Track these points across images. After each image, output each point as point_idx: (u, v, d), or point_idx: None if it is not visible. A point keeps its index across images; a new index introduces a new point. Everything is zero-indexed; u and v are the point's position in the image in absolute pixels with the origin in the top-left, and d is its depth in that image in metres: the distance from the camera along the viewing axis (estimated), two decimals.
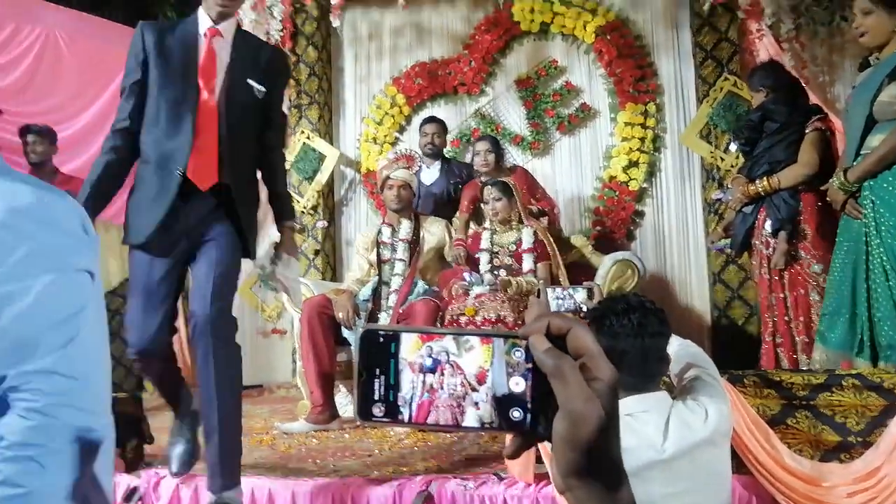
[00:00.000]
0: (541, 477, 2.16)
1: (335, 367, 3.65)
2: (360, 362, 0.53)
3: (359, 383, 0.52)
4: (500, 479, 2.24)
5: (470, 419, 0.51)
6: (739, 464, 1.95)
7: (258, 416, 4.17)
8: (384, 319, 3.63)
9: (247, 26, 4.42)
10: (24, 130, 4.20)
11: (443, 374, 0.52)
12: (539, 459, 2.15)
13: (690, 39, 4.60)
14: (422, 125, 4.45)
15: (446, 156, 4.57)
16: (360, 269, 3.92)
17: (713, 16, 4.40)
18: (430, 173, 4.41)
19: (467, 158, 4.81)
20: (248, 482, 2.42)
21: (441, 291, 3.66)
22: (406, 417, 0.52)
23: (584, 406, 0.47)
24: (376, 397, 0.52)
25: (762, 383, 2.02)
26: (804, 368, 2.88)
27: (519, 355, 0.51)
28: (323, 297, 3.66)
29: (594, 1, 4.75)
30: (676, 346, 1.71)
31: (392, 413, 0.52)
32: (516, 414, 0.50)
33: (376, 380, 0.52)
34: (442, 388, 0.51)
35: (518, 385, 0.51)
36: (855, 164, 2.75)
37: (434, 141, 4.36)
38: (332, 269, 5.14)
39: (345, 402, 3.86)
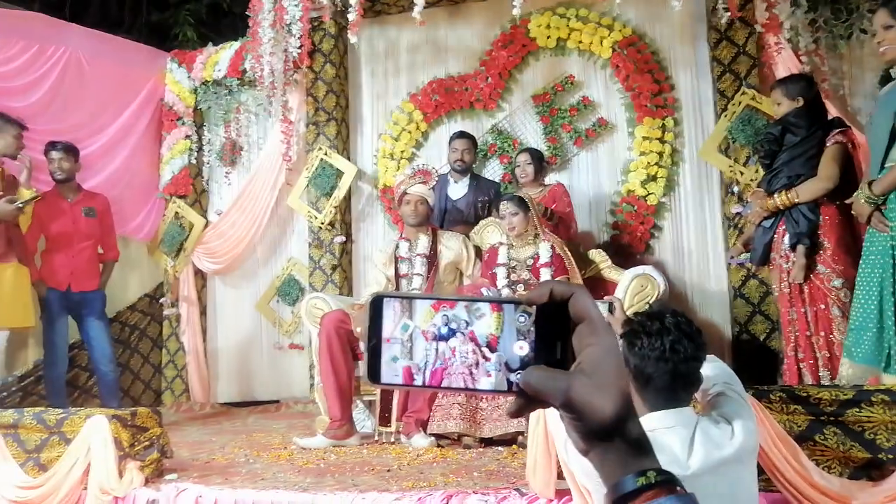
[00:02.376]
0: (562, 493, 2.13)
1: (353, 381, 3.65)
2: (370, 328, 0.54)
3: (368, 347, 0.54)
4: (521, 494, 2.21)
5: (482, 385, 0.53)
6: (767, 481, 1.91)
7: (275, 431, 4.17)
8: None
9: (265, 45, 4.47)
10: (50, 147, 4.26)
11: (455, 342, 0.53)
12: (560, 475, 2.12)
13: (708, 53, 4.58)
14: (451, 140, 4.46)
15: (475, 172, 4.57)
16: (377, 283, 3.92)
17: (731, 30, 4.40)
18: (458, 189, 4.42)
19: (484, 173, 4.82)
20: (267, 496, 2.42)
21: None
22: (420, 383, 0.53)
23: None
24: (387, 362, 0.54)
25: (789, 399, 1.98)
26: (829, 384, 2.83)
27: (523, 321, 0.52)
28: (341, 312, 3.67)
29: (610, 16, 4.75)
30: (711, 370, 1.68)
31: (403, 378, 0.53)
32: (520, 377, 0.51)
33: (385, 345, 0.54)
34: (454, 356, 0.53)
35: (522, 349, 0.52)
36: (880, 176, 2.72)
37: (464, 157, 4.37)
38: (349, 283, 5.15)
39: (362, 418, 3.84)
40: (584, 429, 0.51)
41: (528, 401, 0.52)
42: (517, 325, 0.53)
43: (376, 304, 0.54)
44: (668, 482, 0.49)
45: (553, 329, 0.53)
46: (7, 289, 3.88)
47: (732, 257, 4.10)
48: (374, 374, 0.54)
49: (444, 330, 0.53)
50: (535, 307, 0.53)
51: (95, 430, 2.59)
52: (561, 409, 0.50)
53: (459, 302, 0.54)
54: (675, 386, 1.55)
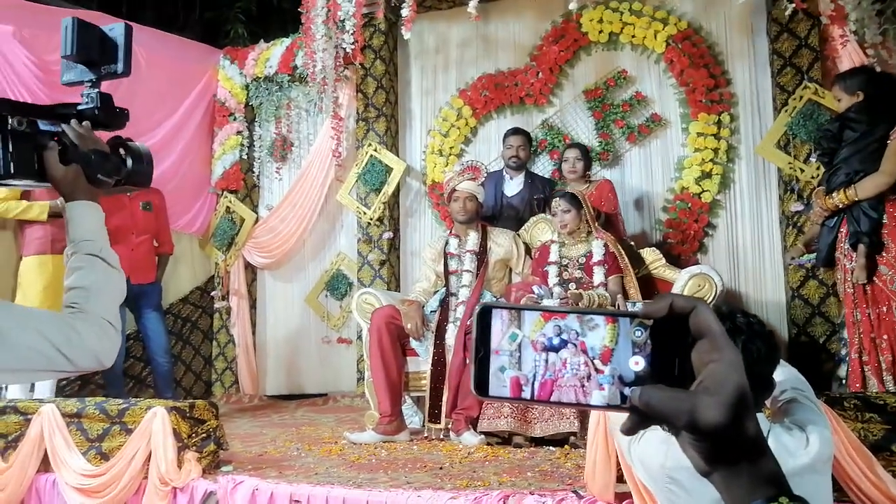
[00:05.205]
0: (622, 496, 2.09)
1: (403, 377, 3.66)
2: (477, 339, 0.52)
3: (476, 360, 0.52)
4: (579, 496, 2.17)
5: (595, 399, 0.51)
6: (840, 492, 1.84)
7: (325, 424, 4.21)
8: (452, 331, 3.61)
9: (318, 41, 4.50)
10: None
11: (566, 353, 0.51)
12: (620, 478, 2.08)
13: (768, 47, 4.44)
14: (506, 137, 4.44)
15: (529, 169, 4.54)
16: (427, 279, 3.92)
17: (792, 22, 4.25)
18: (513, 185, 4.40)
19: (534, 169, 4.77)
20: (322, 491, 2.43)
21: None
22: (528, 395, 0.51)
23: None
24: (494, 374, 0.52)
25: (864, 407, 1.90)
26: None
27: (640, 335, 0.50)
28: (391, 308, 3.68)
29: (665, 10, 4.65)
30: (781, 375, 1.62)
31: (511, 390, 0.52)
32: (639, 395, 0.49)
33: (494, 357, 0.52)
34: (565, 368, 0.51)
35: (637, 364, 0.50)
36: None
37: (519, 154, 4.35)
38: (397, 279, 5.17)
39: (410, 413, 3.85)
40: (709, 451, 0.48)
41: (644, 419, 0.50)
42: (633, 338, 0.51)
43: (483, 315, 0.52)
44: None
45: (671, 344, 0.50)
46: None
47: (793, 258, 3.95)
48: (481, 387, 0.52)
49: (556, 341, 0.51)
50: (651, 320, 0.51)
51: (156, 421, 2.65)
52: (683, 430, 0.48)
53: (571, 312, 0.52)
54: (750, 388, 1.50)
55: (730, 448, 0.48)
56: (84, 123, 1.12)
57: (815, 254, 3.59)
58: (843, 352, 3.52)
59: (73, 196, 1.12)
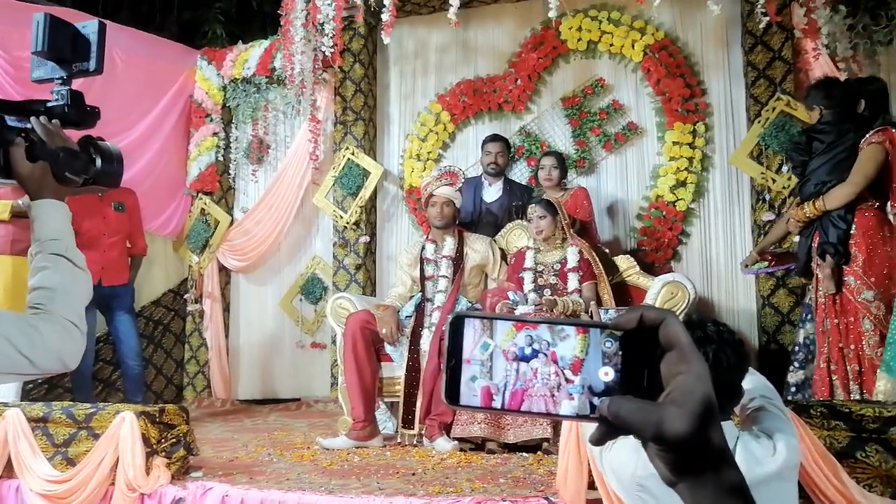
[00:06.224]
0: (593, 503, 2.10)
1: (377, 382, 3.64)
2: (449, 348, 0.52)
3: (447, 368, 0.52)
4: (551, 503, 2.18)
5: (564, 409, 0.51)
6: (806, 498, 1.87)
7: (297, 430, 4.18)
8: (427, 336, 3.61)
9: (297, 43, 4.48)
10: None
11: (536, 363, 0.51)
12: (592, 485, 2.09)
13: (742, 58, 4.51)
14: (484, 143, 4.44)
15: (508, 176, 4.55)
16: (403, 284, 3.91)
17: (766, 34, 4.32)
18: (492, 192, 4.40)
19: (512, 175, 4.79)
20: (293, 497, 2.41)
21: (483, 310, 3.63)
22: (499, 405, 0.51)
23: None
24: (465, 383, 0.52)
25: (830, 414, 1.93)
26: (873, 400, 2.77)
27: (610, 346, 0.51)
28: (366, 313, 3.66)
29: (643, 19, 4.70)
30: (749, 383, 1.64)
31: (482, 399, 0.52)
32: (608, 406, 0.49)
33: (466, 366, 0.52)
34: (536, 378, 0.51)
35: (607, 375, 0.50)
36: None
37: (497, 160, 4.35)
38: (373, 283, 5.15)
39: (384, 419, 3.83)
40: (675, 461, 0.49)
41: (612, 429, 0.50)
42: (603, 349, 0.51)
43: (456, 324, 0.52)
44: None
45: (640, 355, 0.51)
46: None
47: (746, 266, 3.98)
48: (452, 396, 0.52)
49: (528, 350, 0.51)
50: (621, 331, 0.51)
51: (124, 426, 2.60)
52: (650, 441, 0.48)
53: (542, 322, 0.52)
54: (718, 397, 1.51)
55: (695, 459, 0.48)
56: (53, 121, 1.10)
57: (768, 263, 3.65)
58: (799, 356, 3.54)
59: (39, 194, 1.10)
